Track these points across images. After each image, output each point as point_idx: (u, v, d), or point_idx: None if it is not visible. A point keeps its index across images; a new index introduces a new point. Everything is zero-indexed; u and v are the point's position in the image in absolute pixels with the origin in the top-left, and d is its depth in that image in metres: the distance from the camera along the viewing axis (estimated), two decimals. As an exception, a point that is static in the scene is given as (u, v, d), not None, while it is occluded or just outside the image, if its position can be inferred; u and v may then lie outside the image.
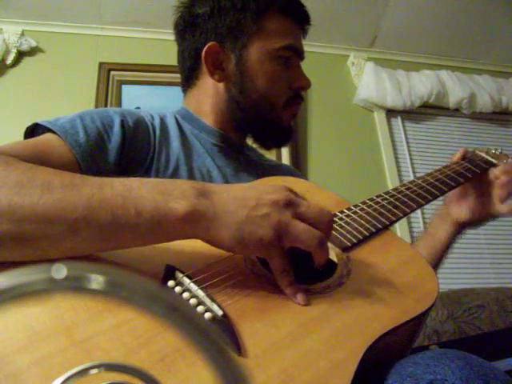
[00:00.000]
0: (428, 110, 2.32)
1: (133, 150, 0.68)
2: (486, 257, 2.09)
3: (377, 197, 0.68)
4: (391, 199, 0.68)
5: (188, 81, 0.83)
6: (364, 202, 0.66)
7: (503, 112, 2.37)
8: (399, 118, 2.28)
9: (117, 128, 0.67)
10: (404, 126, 2.29)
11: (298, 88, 0.78)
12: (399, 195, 0.70)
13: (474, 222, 0.85)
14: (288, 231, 0.45)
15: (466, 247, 2.03)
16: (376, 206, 0.66)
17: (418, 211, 2.07)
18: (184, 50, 0.81)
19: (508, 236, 2.15)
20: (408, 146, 2.24)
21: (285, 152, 2.00)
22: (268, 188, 0.48)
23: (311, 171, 2.04)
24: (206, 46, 0.75)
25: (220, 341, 0.17)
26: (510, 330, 1.19)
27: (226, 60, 0.76)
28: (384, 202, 0.67)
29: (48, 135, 0.63)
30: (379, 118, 2.23)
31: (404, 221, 2.01)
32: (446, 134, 2.33)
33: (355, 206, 0.66)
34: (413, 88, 2.22)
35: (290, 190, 0.48)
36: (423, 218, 2.06)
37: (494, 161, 0.84)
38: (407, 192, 0.71)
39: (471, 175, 0.79)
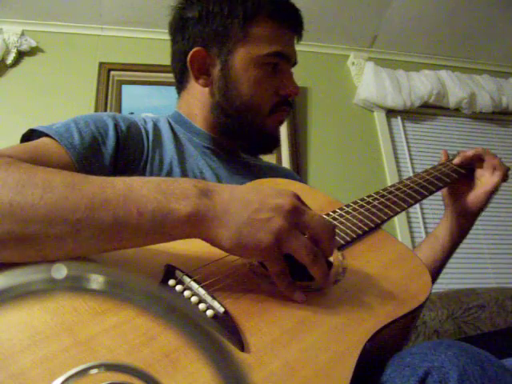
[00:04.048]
0: (428, 110, 2.32)
1: (127, 153, 0.68)
2: (486, 257, 2.09)
3: (367, 197, 0.70)
4: (382, 199, 0.70)
5: (180, 83, 0.83)
6: (355, 202, 0.68)
7: (503, 112, 2.37)
8: (399, 118, 2.28)
9: (111, 132, 0.67)
10: (404, 126, 2.29)
11: (285, 95, 0.77)
12: (390, 195, 0.72)
13: (474, 208, 0.84)
14: (287, 240, 0.44)
15: (466, 247, 2.03)
16: (368, 206, 0.68)
17: (418, 212, 2.07)
18: (175, 53, 0.82)
19: (508, 236, 2.15)
20: (408, 146, 2.24)
21: (285, 152, 2.00)
22: (274, 192, 0.47)
23: (311, 171, 2.04)
24: (192, 51, 0.75)
25: (219, 340, 0.17)
26: (510, 330, 1.19)
27: (211, 65, 0.76)
28: (375, 202, 0.69)
29: (44, 139, 0.63)
30: (379, 118, 2.23)
31: (404, 221, 2.01)
32: (445, 133, 2.33)
33: (347, 205, 0.67)
34: (413, 88, 2.22)
35: (297, 197, 0.47)
36: (423, 219, 2.06)
37: None
38: (397, 192, 0.73)
39: (457, 175, 0.83)
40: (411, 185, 0.76)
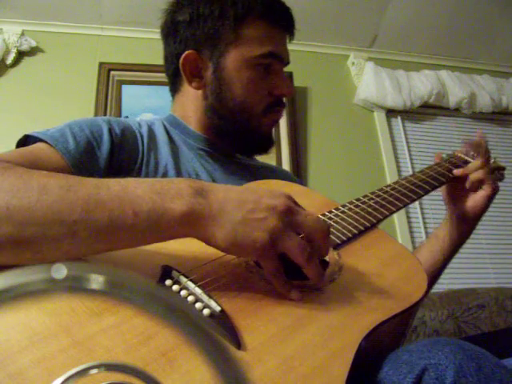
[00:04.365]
0: (428, 110, 2.32)
1: (122, 157, 0.69)
2: (486, 257, 2.09)
3: (363, 197, 0.71)
4: (378, 199, 0.71)
5: (173, 86, 0.84)
6: (351, 202, 0.69)
7: (503, 112, 2.37)
8: (399, 118, 2.28)
9: (105, 136, 0.68)
10: (404, 126, 2.29)
11: (278, 95, 0.78)
12: (385, 195, 0.72)
13: (474, 212, 0.82)
14: (281, 239, 0.45)
15: (466, 247, 2.02)
16: (363, 206, 0.68)
17: (418, 212, 2.07)
18: (167, 56, 0.82)
19: (508, 236, 2.15)
20: (408, 146, 2.24)
21: (285, 152, 2.00)
22: (268, 192, 0.48)
23: (311, 171, 2.04)
24: (184, 54, 0.75)
25: (218, 339, 0.17)
26: (510, 330, 1.20)
27: (204, 68, 0.76)
28: (371, 202, 0.69)
29: (39, 144, 0.64)
30: (379, 118, 2.23)
31: (404, 221, 2.01)
32: (445, 133, 2.33)
33: (343, 205, 0.68)
34: (413, 88, 2.22)
35: (290, 198, 0.48)
36: (423, 219, 2.06)
37: (471, 160, 0.86)
38: (392, 192, 0.73)
39: (452, 175, 0.82)
40: (407, 184, 0.76)
